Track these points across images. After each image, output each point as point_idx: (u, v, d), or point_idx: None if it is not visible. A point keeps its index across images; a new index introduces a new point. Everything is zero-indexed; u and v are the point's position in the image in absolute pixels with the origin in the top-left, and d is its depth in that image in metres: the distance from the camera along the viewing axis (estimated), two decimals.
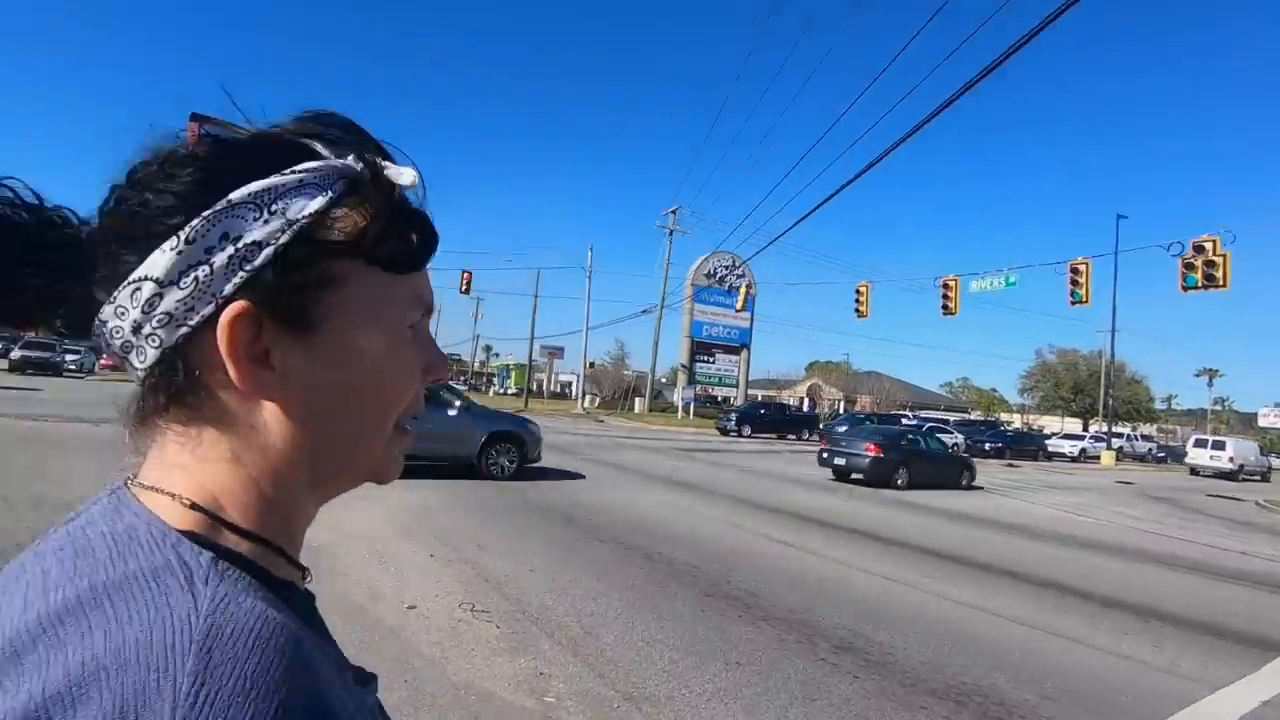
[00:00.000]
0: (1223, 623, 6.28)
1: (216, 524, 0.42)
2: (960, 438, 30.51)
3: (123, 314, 0.42)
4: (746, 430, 32.15)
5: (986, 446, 32.06)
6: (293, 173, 0.43)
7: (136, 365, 0.43)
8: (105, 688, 0.32)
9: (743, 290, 31.71)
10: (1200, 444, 34.39)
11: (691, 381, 47.78)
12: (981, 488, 17.64)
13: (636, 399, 46.22)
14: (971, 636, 5.10)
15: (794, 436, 33.43)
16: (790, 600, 5.52)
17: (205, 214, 0.41)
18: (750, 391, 79.70)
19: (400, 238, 0.47)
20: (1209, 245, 17.33)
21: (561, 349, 60.90)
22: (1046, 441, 38.24)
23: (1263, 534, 14.02)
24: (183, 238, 0.41)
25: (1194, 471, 31.29)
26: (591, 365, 50.94)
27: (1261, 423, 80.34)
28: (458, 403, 10.58)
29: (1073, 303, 19.84)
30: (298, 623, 0.39)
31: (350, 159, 0.45)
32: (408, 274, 0.48)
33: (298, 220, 0.43)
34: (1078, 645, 5.17)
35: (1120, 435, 43.76)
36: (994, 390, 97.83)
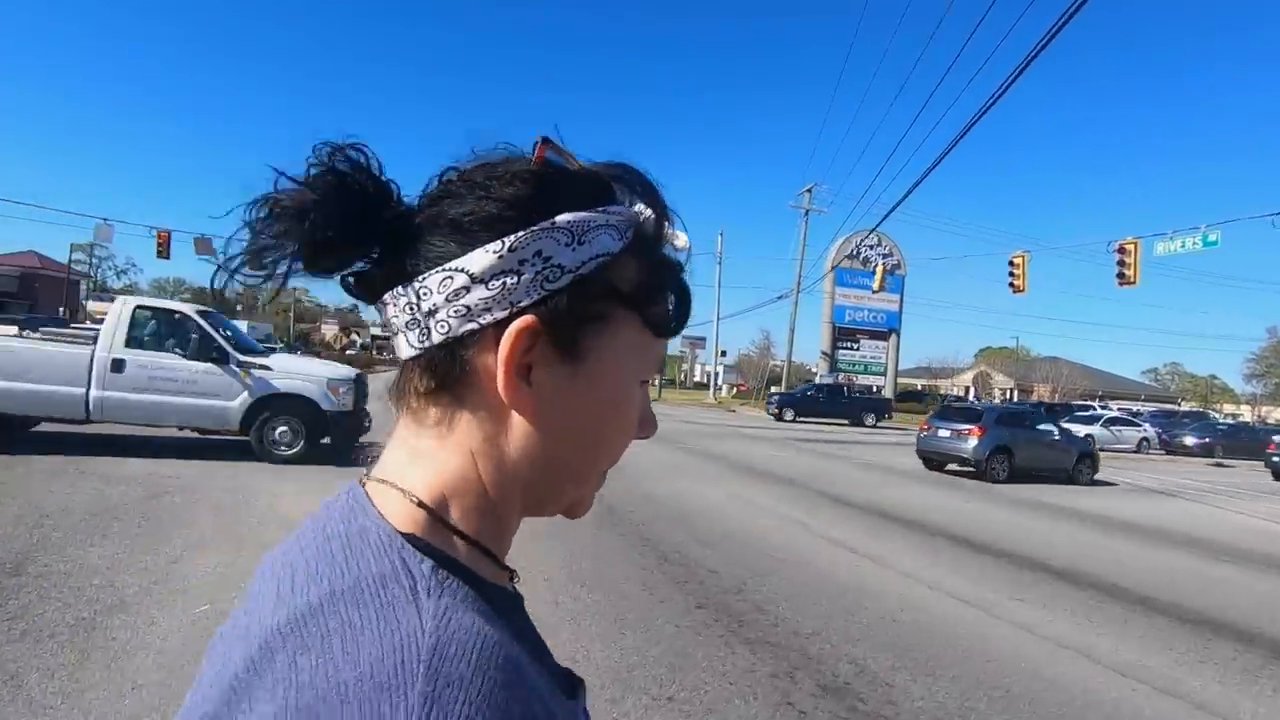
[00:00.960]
0: None
1: (438, 525, 0.44)
2: (1151, 431, 25.87)
3: (425, 295, 0.44)
4: (789, 415, 28.88)
5: (1189, 442, 26.91)
6: (604, 212, 0.46)
7: (412, 344, 0.45)
8: (343, 706, 0.33)
9: (879, 269, 29.05)
10: None
11: (834, 369, 45.06)
12: (1115, 484, 14.58)
13: (773, 389, 44.37)
14: (1055, 687, 3.79)
15: (849, 422, 29.48)
16: (803, 618, 4.48)
17: (533, 229, 0.44)
18: (904, 380, 74.46)
19: (666, 300, 0.50)
20: None
21: (703, 339, 60.31)
22: (1276, 437, 31.41)
23: None
24: (507, 244, 0.43)
25: None
26: (723, 354, 49.71)
27: None
28: None
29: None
30: (511, 632, 0.40)
31: (641, 207, 0.49)
32: (665, 338, 0.51)
33: (600, 256, 0.45)
34: None
35: None
36: (1213, 377, 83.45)
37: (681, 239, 0.51)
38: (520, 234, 0.43)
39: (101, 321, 8.64)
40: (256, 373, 8.39)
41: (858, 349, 46.44)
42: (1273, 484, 19.55)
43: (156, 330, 8.46)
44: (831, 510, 8.70)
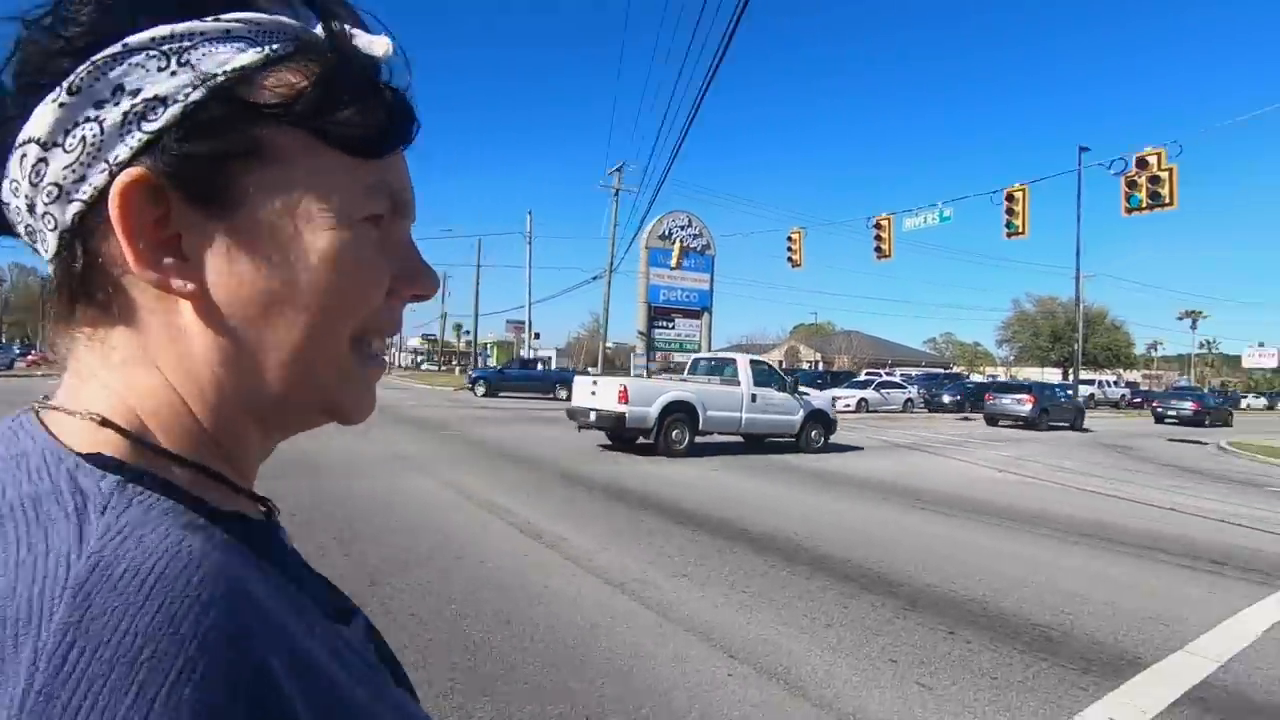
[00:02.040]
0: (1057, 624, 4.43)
1: (135, 445, 0.35)
2: (915, 392, 28.75)
3: (16, 189, 0.36)
4: (480, 390, 28.48)
5: (945, 400, 30.30)
6: (216, 20, 0.35)
7: (45, 256, 0.37)
8: None
9: (676, 247, 29.47)
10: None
11: (652, 349, 45.84)
12: (861, 447, 15.82)
13: (589, 370, 44.22)
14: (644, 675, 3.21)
15: (546, 395, 29.88)
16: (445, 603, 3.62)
17: (95, 59, 0.34)
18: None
19: (361, 111, 0.37)
20: (1153, 159, 15.32)
21: (525, 324, 58.93)
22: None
23: (1213, 482, 12.25)
24: (65, 87, 0.34)
25: (1159, 419, 29.57)
26: (536, 336, 48.81)
27: (1246, 363, 79.42)
28: None
29: (1009, 234, 17.87)
30: (245, 560, 0.33)
31: (306, 20, 0.39)
32: (370, 158, 0.39)
33: (215, 75, 0.35)
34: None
35: (1090, 383, 42.11)
36: (977, 344, 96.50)
37: (379, 44, 0.38)
38: (81, 69, 0.33)
39: None
40: None
41: (673, 328, 47.46)
42: (987, 429, 22.19)
43: None
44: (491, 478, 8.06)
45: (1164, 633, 4.31)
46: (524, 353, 43.14)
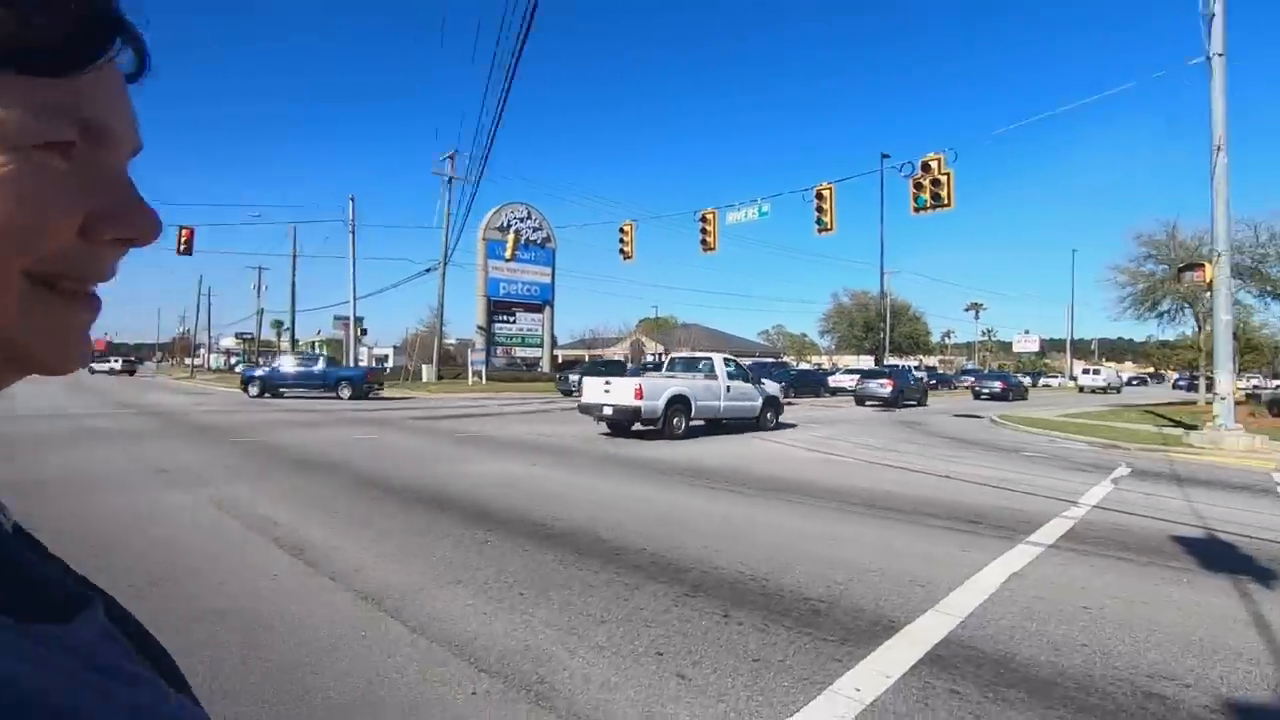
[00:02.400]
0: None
1: None
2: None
3: None
4: (254, 390, 26.05)
5: None
6: None
7: None
8: None
9: (511, 239, 28.66)
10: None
11: (493, 343, 44.53)
12: (685, 436, 16.41)
13: (424, 367, 42.11)
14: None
15: (330, 395, 27.06)
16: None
17: None
18: (568, 351, 77.99)
19: (32, 15, 0.31)
20: (934, 164, 17.00)
21: (360, 319, 54.76)
22: (830, 378, 39.74)
23: (984, 451, 13.84)
24: None
25: (976, 396, 33.93)
26: (363, 332, 45.73)
27: (1015, 348, 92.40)
28: None
29: (819, 230, 19.11)
30: None
31: None
32: (49, 75, 0.33)
33: None
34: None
35: (892, 368, 46.90)
36: (804, 335, 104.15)
37: None
38: None
39: None
40: None
41: (514, 322, 46.56)
42: (809, 412, 23.91)
43: None
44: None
45: (920, 595, 4.55)
46: (352, 350, 40.04)
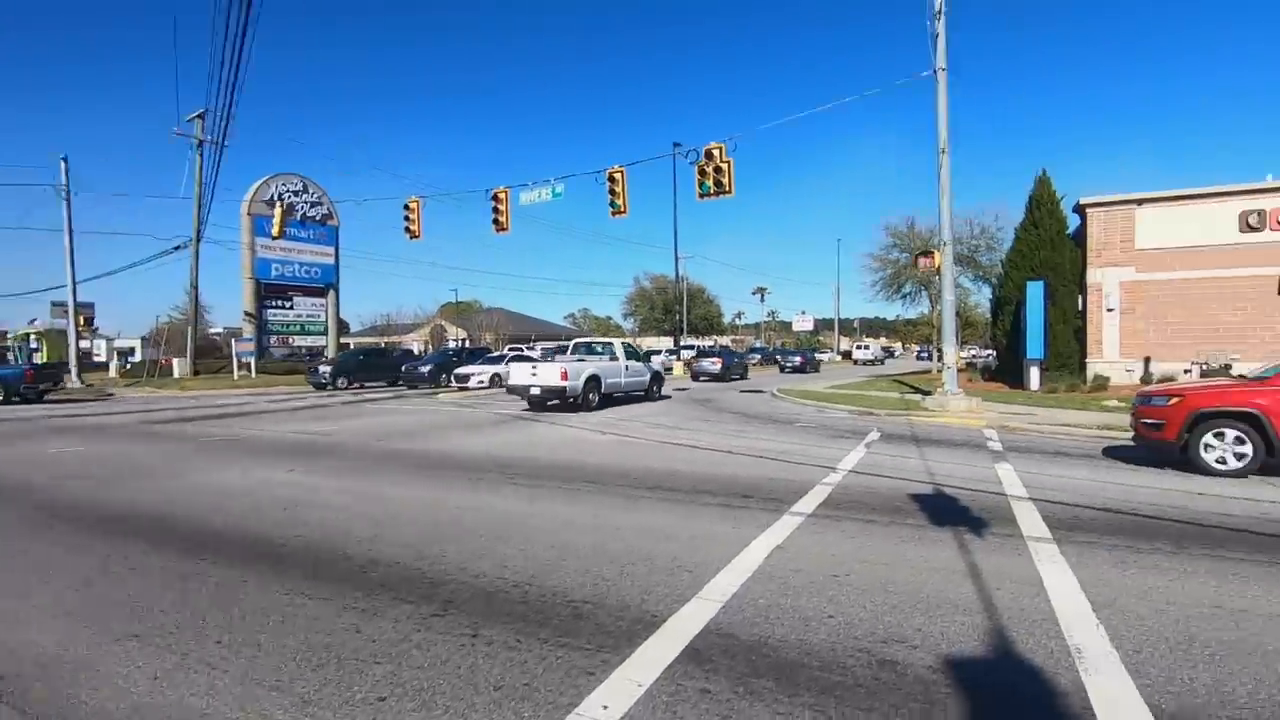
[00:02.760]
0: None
1: None
2: None
3: None
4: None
5: None
6: None
7: None
8: None
9: (277, 213, 25.40)
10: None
11: (266, 332, 39.52)
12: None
13: (175, 361, 36.29)
14: None
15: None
16: None
17: None
18: (361, 339, 72.26)
19: None
20: (716, 151, 17.72)
21: (88, 305, 45.51)
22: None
23: (762, 424, 14.78)
24: None
25: (782, 370, 36.56)
26: (91, 320, 38.55)
27: (795, 328, 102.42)
28: None
29: (613, 213, 19.18)
30: None
31: None
32: None
33: None
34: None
35: (691, 348, 49.50)
36: (609, 318, 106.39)
37: None
38: None
39: None
40: None
41: (291, 307, 41.69)
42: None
43: None
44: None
45: (687, 581, 4.45)
46: (74, 342, 33.25)
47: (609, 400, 18.88)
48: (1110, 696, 2.92)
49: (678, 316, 58.20)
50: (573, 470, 8.80)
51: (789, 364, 44.51)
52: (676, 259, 39.87)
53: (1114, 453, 10.14)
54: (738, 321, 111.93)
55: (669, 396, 22.01)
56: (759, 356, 56.76)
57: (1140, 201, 20.62)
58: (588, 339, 22.85)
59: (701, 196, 18.00)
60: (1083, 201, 21.33)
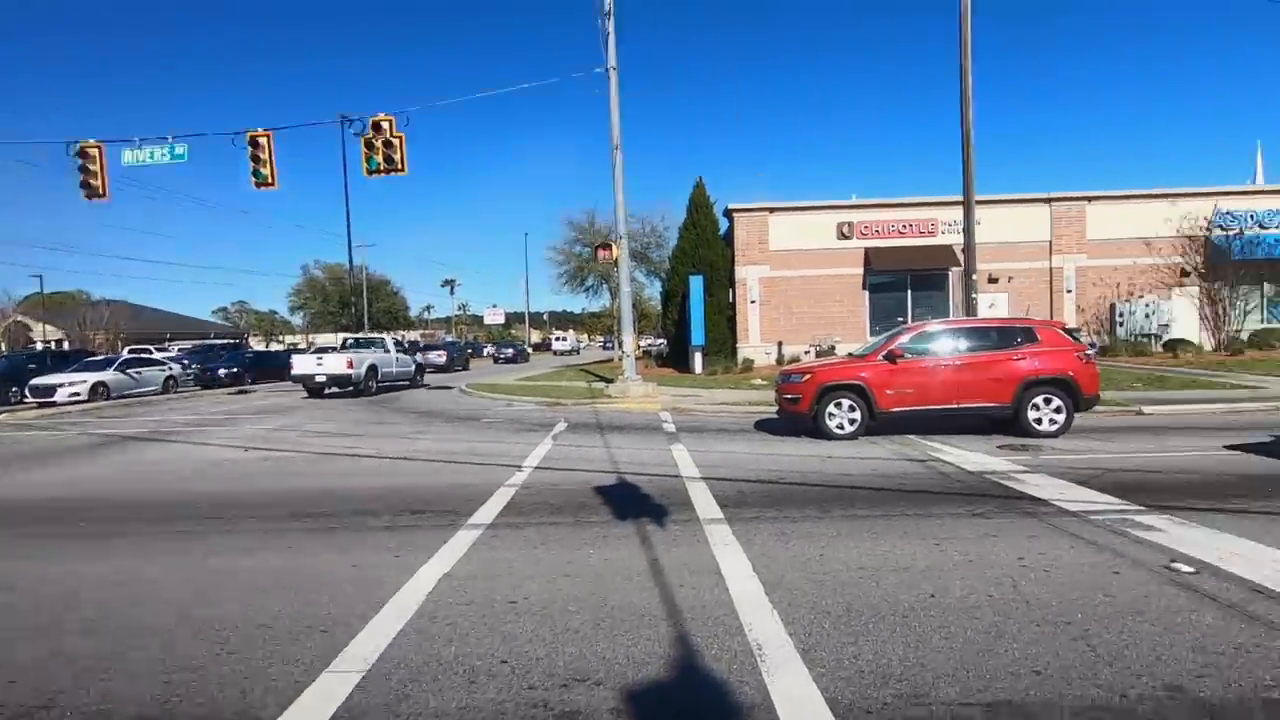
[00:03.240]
0: None
1: None
2: (176, 368, 24.32)
3: None
4: None
5: (221, 373, 26.91)
6: None
7: None
8: None
9: None
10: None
11: None
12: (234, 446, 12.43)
13: None
14: None
15: None
16: None
17: None
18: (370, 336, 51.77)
19: None
20: (386, 124, 15.98)
21: None
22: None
23: (447, 421, 13.69)
24: None
25: (495, 360, 34.57)
26: None
27: (487, 320, 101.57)
28: None
29: (257, 184, 16.10)
30: None
31: None
32: None
33: None
34: None
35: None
36: (274, 313, 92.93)
37: None
38: None
39: None
40: None
41: None
42: (264, 401, 20.78)
43: None
44: None
45: (319, 647, 3.35)
46: None
47: (384, 387, 22.02)
48: (794, 699, 2.72)
49: (355, 310, 52.94)
50: (190, 504, 6.78)
51: (502, 355, 49.50)
52: (350, 244, 36.00)
53: (764, 425, 11.42)
54: (427, 315, 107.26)
55: (426, 385, 24.73)
56: (493, 348, 57.32)
57: (772, 210, 24.34)
58: (364, 335, 27.16)
59: (370, 173, 16.07)
60: (730, 207, 24.43)
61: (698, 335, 22.36)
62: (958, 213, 23.81)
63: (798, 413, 9.93)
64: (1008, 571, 4.14)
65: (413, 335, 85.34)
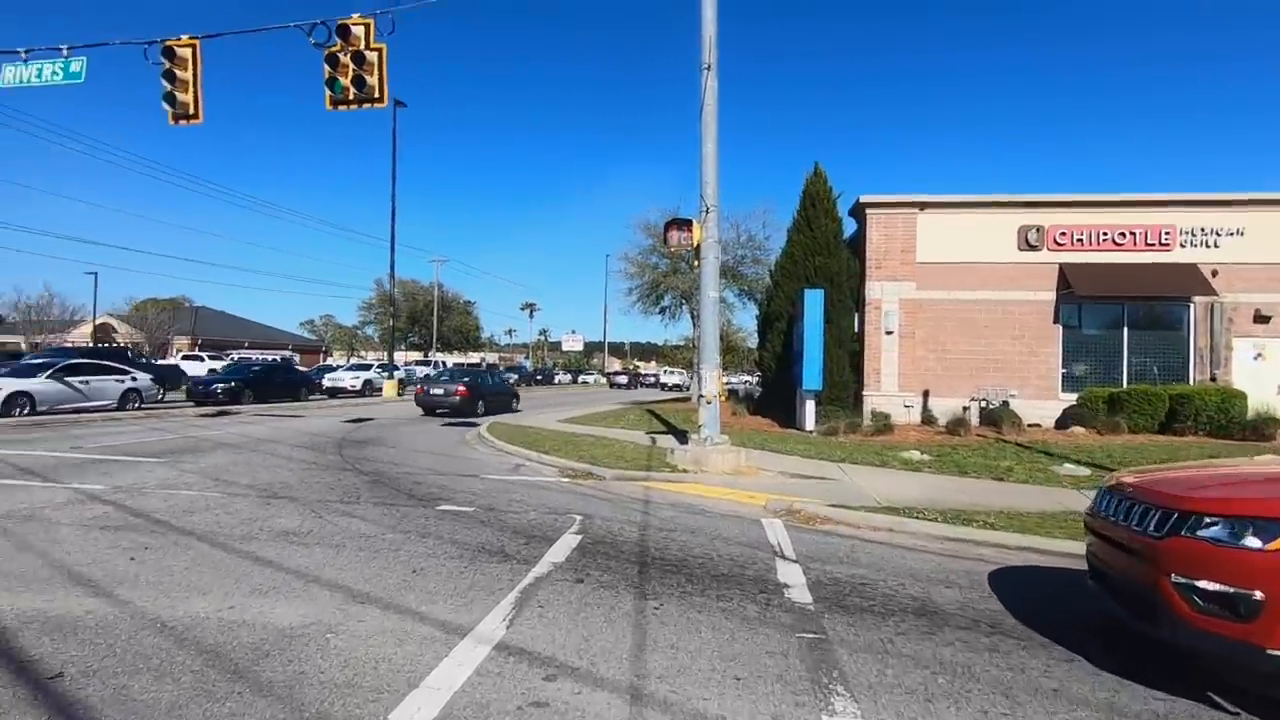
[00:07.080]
0: None
1: None
2: (144, 379, 19.84)
3: None
4: None
5: (219, 390, 22.41)
6: None
7: None
8: None
9: None
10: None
11: None
12: None
13: None
14: None
15: None
16: None
17: None
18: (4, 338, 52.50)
19: None
20: (360, 32, 10.58)
21: None
22: (328, 375, 31.49)
23: (380, 508, 7.77)
24: None
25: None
26: None
27: (565, 347, 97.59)
28: None
29: (174, 118, 11.01)
30: None
31: None
32: None
33: None
34: None
35: (428, 363, 41.26)
36: (356, 327, 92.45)
37: None
38: None
39: None
40: None
41: None
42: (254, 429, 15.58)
43: None
44: None
45: None
46: None
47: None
48: None
49: (430, 330, 49.23)
50: None
51: (617, 383, 57.22)
52: (393, 247, 31.54)
53: (1010, 586, 4.73)
54: (509, 339, 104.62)
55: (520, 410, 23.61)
56: (516, 376, 50.01)
57: (923, 205, 17.46)
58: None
59: (334, 105, 10.67)
60: (863, 199, 17.71)
61: (812, 376, 15.61)
62: (1207, 216, 16.33)
63: (1240, 643, 3.20)
64: None
65: (490, 358, 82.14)
